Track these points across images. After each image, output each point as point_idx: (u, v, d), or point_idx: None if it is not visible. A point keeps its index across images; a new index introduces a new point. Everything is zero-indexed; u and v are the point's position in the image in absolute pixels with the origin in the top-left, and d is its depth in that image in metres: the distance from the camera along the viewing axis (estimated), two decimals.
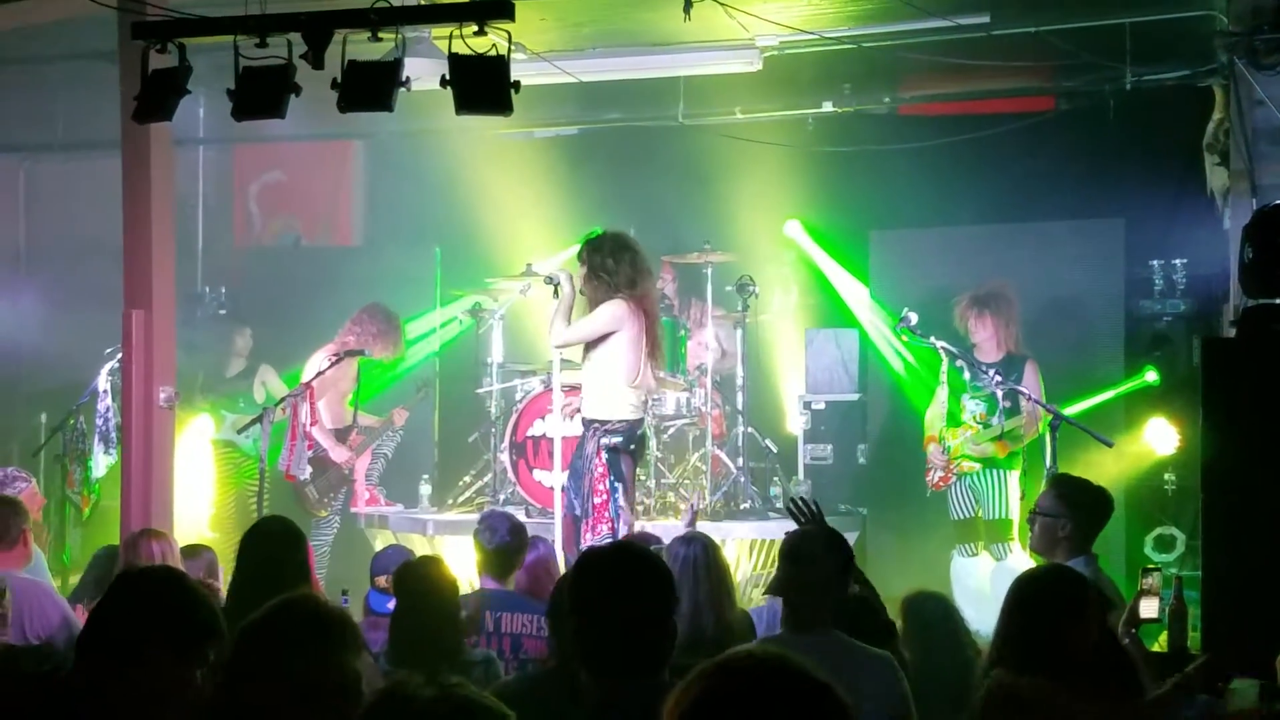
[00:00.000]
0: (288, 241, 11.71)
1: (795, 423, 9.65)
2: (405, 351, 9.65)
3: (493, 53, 5.91)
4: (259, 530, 5.17)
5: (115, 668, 2.92)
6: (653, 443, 8.45)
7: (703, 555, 4.78)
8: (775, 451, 9.27)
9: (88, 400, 8.64)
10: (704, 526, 7.13)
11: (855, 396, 9.58)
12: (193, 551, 6.15)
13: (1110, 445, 7.48)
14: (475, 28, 5.86)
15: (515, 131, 10.12)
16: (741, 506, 8.89)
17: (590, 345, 7.19)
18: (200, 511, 9.51)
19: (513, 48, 5.99)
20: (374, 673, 4.04)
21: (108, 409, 8.46)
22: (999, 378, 7.78)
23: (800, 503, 4.82)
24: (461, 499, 9.28)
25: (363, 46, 6.09)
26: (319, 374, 8.63)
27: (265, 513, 8.11)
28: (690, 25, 7.41)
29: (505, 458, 8.80)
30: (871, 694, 3.71)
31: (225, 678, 2.86)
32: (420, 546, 8.19)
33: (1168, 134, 9.30)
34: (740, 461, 8.99)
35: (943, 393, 8.06)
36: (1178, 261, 8.89)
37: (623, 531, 6.88)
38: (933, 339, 7.87)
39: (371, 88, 6.01)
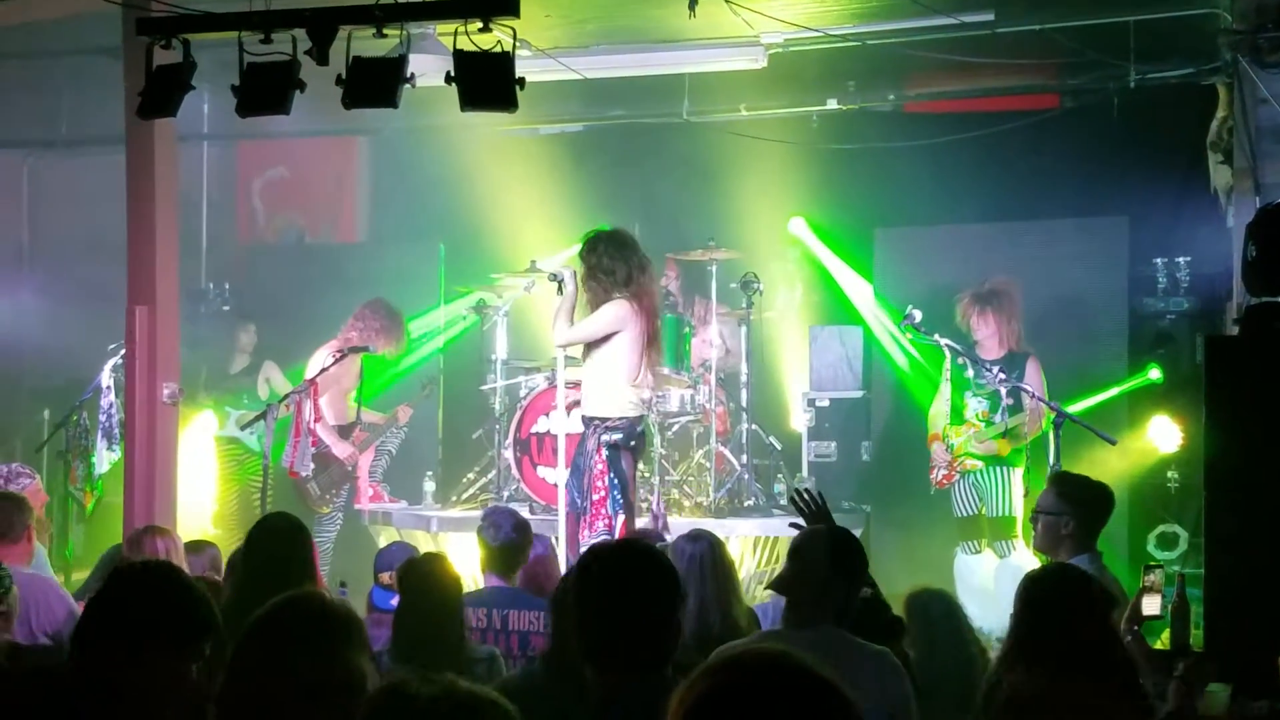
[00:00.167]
0: (292, 238, 11.72)
1: (799, 420, 9.65)
2: (408, 347, 9.65)
3: (497, 49, 5.90)
4: (264, 526, 5.18)
5: (113, 663, 2.91)
6: (657, 440, 8.45)
7: (709, 553, 4.77)
8: (779, 448, 9.28)
9: (91, 396, 8.65)
10: (708, 523, 7.12)
11: (859, 394, 9.58)
12: (196, 547, 6.18)
13: (1113, 443, 7.46)
14: (480, 24, 5.85)
15: (520, 128, 10.14)
16: (745, 503, 8.90)
17: (592, 344, 7.19)
18: (203, 508, 9.53)
19: (517, 44, 5.97)
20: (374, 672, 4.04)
21: (111, 405, 8.47)
22: (1002, 375, 7.78)
23: (805, 494, 4.77)
24: (465, 495, 9.28)
25: (367, 43, 6.08)
26: (322, 370, 8.62)
27: (269, 509, 8.10)
28: (695, 22, 7.43)
29: (509, 454, 8.80)
30: (870, 691, 3.70)
31: (230, 674, 2.85)
32: (424, 543, 8.20)
33: (1172, 132, 9.30)
34: (744, 458, 9.00)
35: (946, 390, 8.08)
36: (1181, 259, 8.91)
37: (619, 529, 6.87)
38: (937, 336, 7.86)
39: (376, 84, 6.01)
